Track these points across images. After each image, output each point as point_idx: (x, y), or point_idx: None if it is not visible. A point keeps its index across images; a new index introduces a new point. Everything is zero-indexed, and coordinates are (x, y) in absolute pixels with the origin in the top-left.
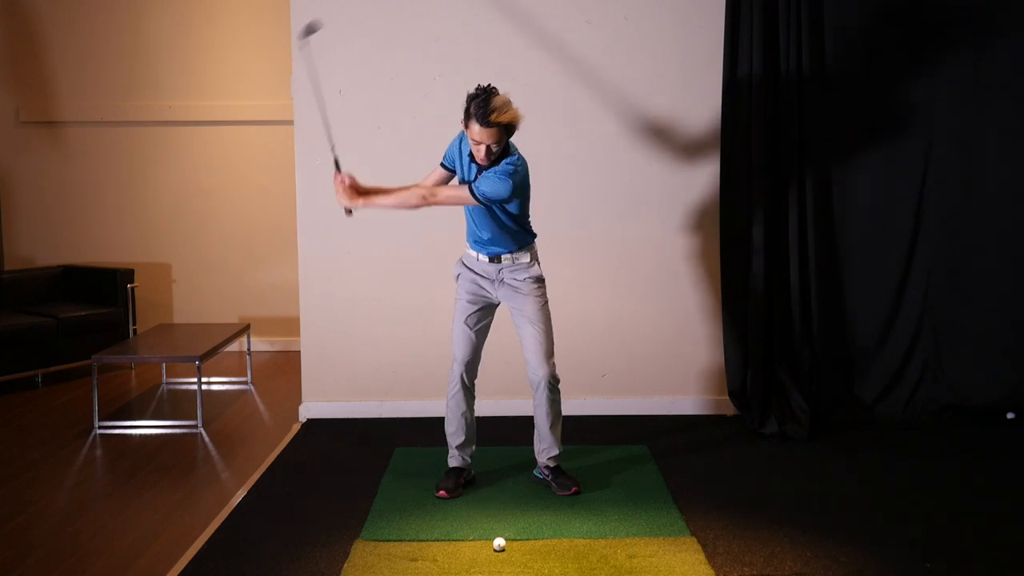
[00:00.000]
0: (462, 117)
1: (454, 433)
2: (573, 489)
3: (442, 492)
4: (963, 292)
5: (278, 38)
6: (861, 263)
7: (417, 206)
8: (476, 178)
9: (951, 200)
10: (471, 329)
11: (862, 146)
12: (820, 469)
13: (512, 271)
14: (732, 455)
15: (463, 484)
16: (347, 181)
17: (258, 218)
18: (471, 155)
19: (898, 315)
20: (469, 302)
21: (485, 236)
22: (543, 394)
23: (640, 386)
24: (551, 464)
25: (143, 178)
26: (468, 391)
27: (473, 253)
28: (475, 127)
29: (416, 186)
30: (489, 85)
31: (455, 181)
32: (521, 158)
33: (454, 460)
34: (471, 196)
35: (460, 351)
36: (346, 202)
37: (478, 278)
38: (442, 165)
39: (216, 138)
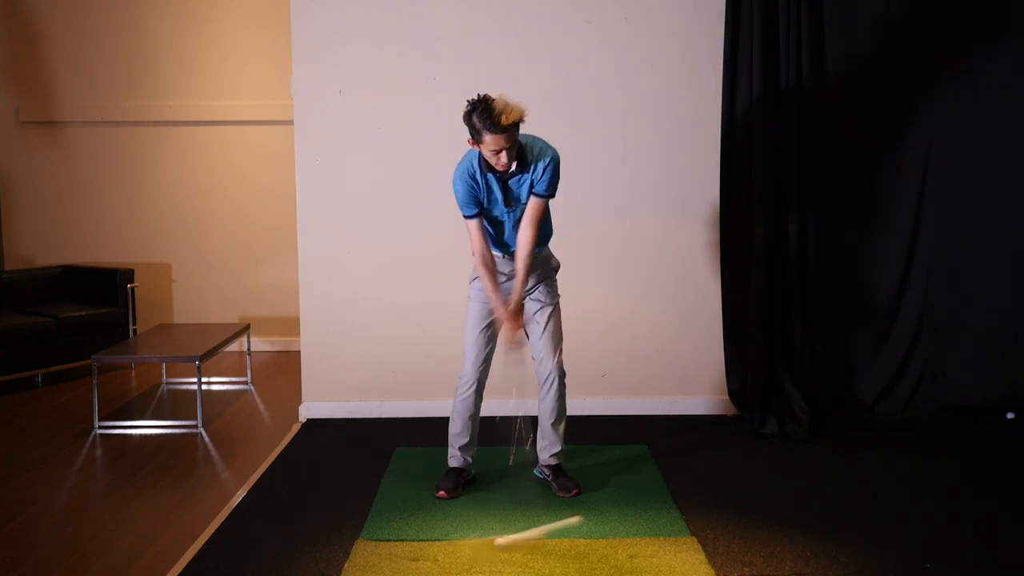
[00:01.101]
0: (468, 137)
1: (459, 434)
2: (574, 491)
3: (442, 492)
4: (963, 292)
5: (278, 38)
6: (861, 263)
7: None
8: (533, 188)
9: (951, 200)
10: (487, 331)
11: (862, 146)
12: (820, 469)
13: (538, 266)
14: (732, 455)
15: (463, 484)
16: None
17: (258, 218)
18: (484, 171)
19: (898, 315)
20: (487, 304)
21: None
22: (553, 388)
23: (640, 386)
24: (553, 462)
25: (143, 178)
26: (480, 395)
27: (498, 253)
28: (488, 137)
29: (488, 266)
30: (480, 95)
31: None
32: (543, 143)
33: (455, 460)
34: (546, 202)
35: (476, 353)
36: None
37: (502, 280)
38: (469, 218)
39: (216, 138)
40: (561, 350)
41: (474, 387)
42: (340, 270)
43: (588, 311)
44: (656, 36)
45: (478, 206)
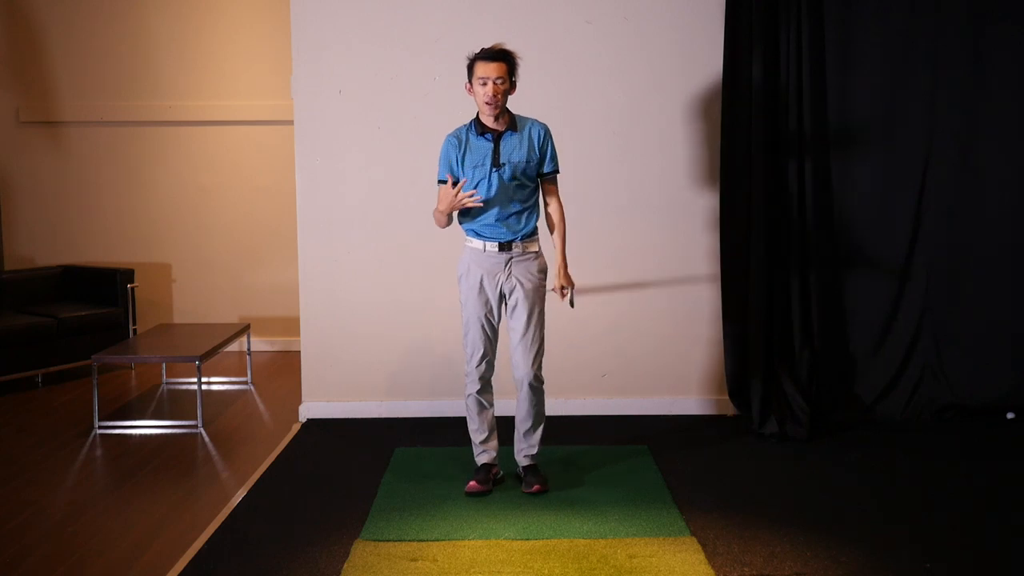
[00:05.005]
0: (466, 82)
1: (477, 430)
2: (535, 487)
3: (473, 484)
4: (963, 292)
5: (278, 38)
6: (861, 263)
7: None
8: (545, 167)
9: (951, 200)
10: (489, 326)
11: (862, 146)
12: (820, 469)
13: (521, 261)
14: (732, 455)
15: (493, 480)
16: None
17: (258, 218)
18: (476, 133)
19: (898, 315)
20: (484, 302)
21: (506, 213)
22: (527, 395)
23: (640, 386)
24: (528, 462)
25: (143, 178)
26: (488, 389)
27: (479, 243)
28: (479, 65)
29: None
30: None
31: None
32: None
33: (483, 456)
34: (556, 178)
35: (479, 349)
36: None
37: (486, 273)
38: (440, 182)
39: (216, 138)
40: (540, 356)
41: (479, 384)
42: (340, 270)
43: (588, 311)
44: (656, 36)
45: (448, 170)
